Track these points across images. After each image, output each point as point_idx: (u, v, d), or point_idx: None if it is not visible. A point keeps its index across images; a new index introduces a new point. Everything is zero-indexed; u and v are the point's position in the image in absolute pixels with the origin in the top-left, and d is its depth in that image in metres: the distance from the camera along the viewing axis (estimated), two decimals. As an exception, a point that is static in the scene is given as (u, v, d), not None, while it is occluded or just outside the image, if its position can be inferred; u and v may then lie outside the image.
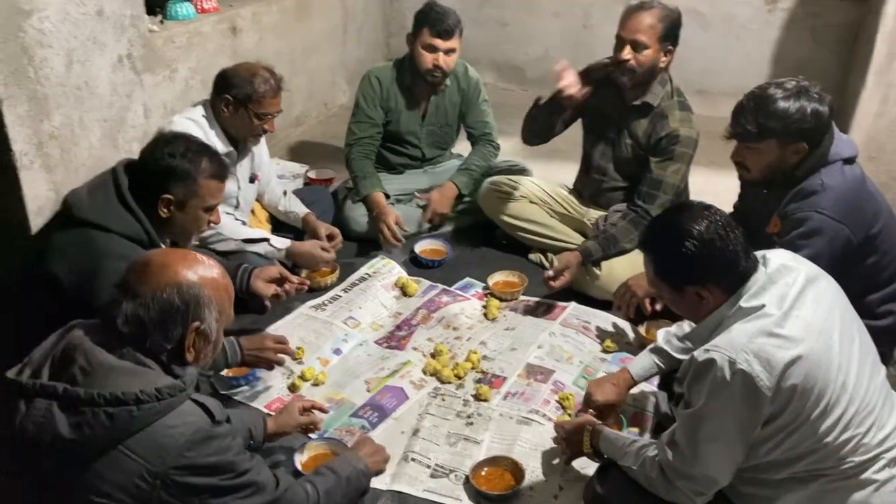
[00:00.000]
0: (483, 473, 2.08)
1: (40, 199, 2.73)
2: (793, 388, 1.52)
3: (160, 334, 1.40)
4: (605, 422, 2.07)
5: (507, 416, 2.30)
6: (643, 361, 2.19)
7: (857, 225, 2.15)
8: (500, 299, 2.85)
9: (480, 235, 3.17)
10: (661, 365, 2.17)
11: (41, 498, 1.35)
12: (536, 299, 2.87)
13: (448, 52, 3.10)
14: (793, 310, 1.59)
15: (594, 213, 3.07)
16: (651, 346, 2.22)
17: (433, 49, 3.08)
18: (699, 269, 1.64)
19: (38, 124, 2.67)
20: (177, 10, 3.49)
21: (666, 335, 2.19)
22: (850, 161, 2.23)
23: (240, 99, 2.61)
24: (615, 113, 2.90)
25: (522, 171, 3.41)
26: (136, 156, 3.14)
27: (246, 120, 2.65)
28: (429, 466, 2.12)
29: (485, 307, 2.81)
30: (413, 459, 2.13)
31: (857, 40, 4.37)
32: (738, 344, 1.54)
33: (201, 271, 1.47)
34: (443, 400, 2.36)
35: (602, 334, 2.67)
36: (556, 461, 2.11)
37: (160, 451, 1.33)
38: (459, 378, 2.46)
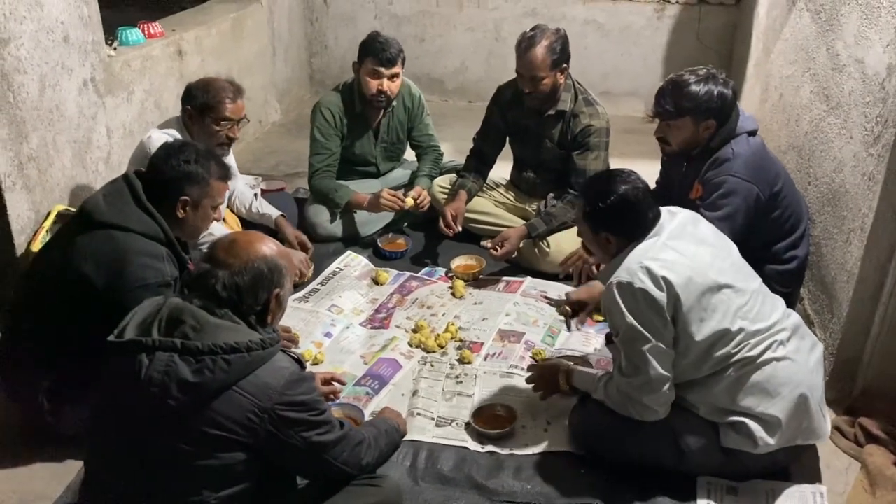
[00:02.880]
0: (482, 418, 2.39)
1: (22, 218, 2.87)
2: (677, 296, 1.98)
3: (252, 298, 1.68)
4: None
5: (490, 373, 2.63)
6: None
7: (763, 183, 2.60)
8: (464, 280, 3.18)
9: (435, 228, 3.47)
10: None
11: (157, 438, 1.58)
12: (495, 277, 3.22)
13: (392, 77, 3.34)
14: (669, 241, 2.06)
15: (534, 203, 3.45)
16: None
17: (378, 76, 3.31)
18: (612, 219, 2.10)
19: (18, 146, 2.81)
20: (127, 36, 3.66)
21: None
22: (753, 133, 2.69)
23: (198, 108, 2.82)
24: (533, 123, 3.29)
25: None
26: (103, 175, 3.34)
27: (207, 127, 2.84)
28: (433, 418, 2.42)
29: (451, 288, 3.13)
30: (418, 414, 2.42)
31: (734, 39, 4.99)
32: (631, 269, 2.01)
33: (276, 248, 1.76)
34: (431, 366, 2.66)
35: (558, 301, 3.04)
36: (541, 402, 2.45)
37: (267, 389, 1.60)
38: (442, 347, 2.76)
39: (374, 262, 3.36)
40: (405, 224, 3.63)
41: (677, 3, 5.09)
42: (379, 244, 3.45)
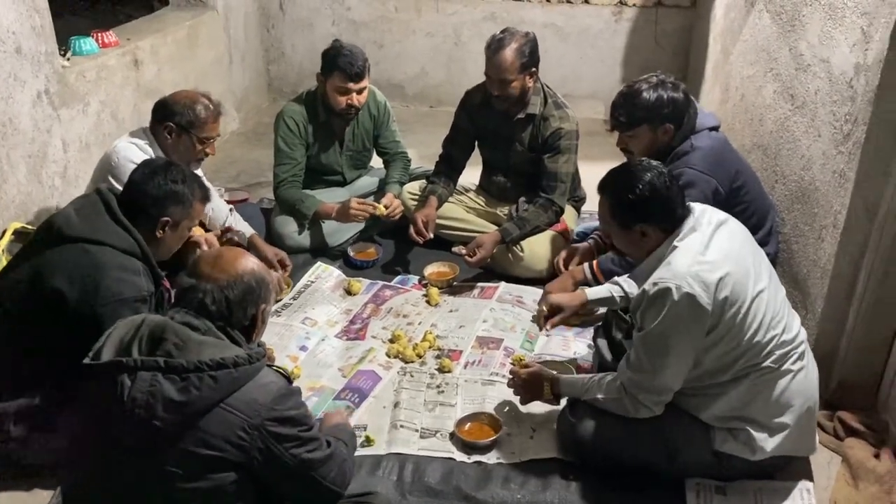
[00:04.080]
0: (466, 427, 2.36)
1: (-24, 238, 2.74)
2: (724, 300, 1.93)
3: (241, 312, 1.66)
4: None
5: (471, 381, 2.59)
6: (599, 287, 2.59)
7: (722, 177, 2.62)
8: (438, 287, 3.14)
9: (405, 236, 3.43)
10: (615, 295, 2.53)
11: (144, 461, 1.52)
12: (470, 284, 3.19)
13: (360, 91, 3.29)
14: (711, 242, 2.00)
15: (504, 207, 3.44)
16: (612, 279, 2.60)
17: (346, 91, 3.25)
18: (645, 209, 2.02)
19: (-29, 163, 2.69)
20: (80, 46, 3.54)
21: (626, 278, 2.56)
22: (714, 129, 2.72)
23: (183, 125, 2.74)
24: (503, 127, 3.27)
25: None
26: (59, 190, 3.22)
27: (189, 145, 2.77)
28: (416, 430, 2.37)
29: (426, 295, 3.09)
30: (402, 426, 2.38)
31: (691, 41, 5.07)
32: (680, 273, 1.93)
33: (260, 263, 1.74)
34: (411, 376, 2.62)
35: (534, 306, 3.02)
36: (525, 410, 2.43)
37: (255, 405, 1.56)
38: (420, 356, 2.72)
39: (344, 272, 3.30)
40: (375, 232, 3.58)
41: (634, 5, 5.15)
42: (349, 253, 3.40)
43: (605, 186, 2.12)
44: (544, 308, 2.63)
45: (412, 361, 2.70)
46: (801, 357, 2.07)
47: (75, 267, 2.06)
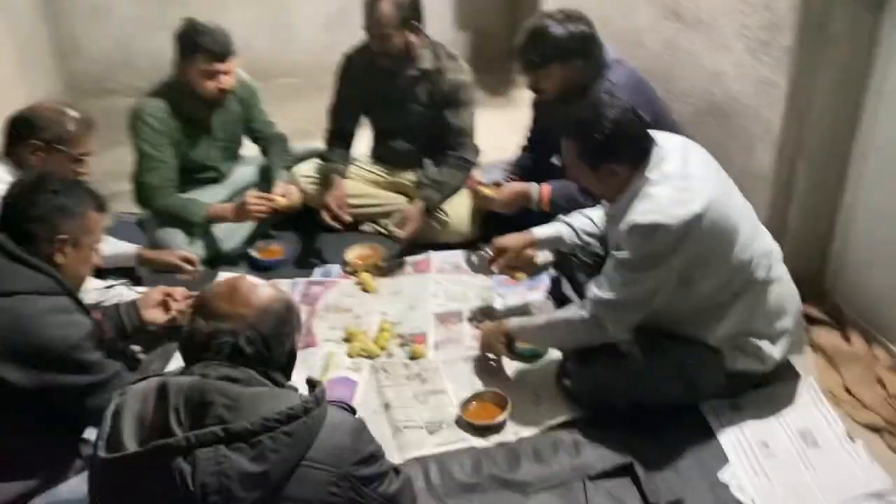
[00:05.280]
0: (471, 410, 2.21)
1: None
2: (712, 223, 1.93)
3: (280, 348, 1.43)
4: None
5: (450, 362, 2.44)
6: (548, 226, 2.49)
7: (647, 105, 2.61)
8: (367, 272, 2.90)
9: (305, 224, 3.15)
10: (564, 235, 2.45)
11: None
12: (399, 261, 2.98)
13: (228, 71, 2.93)
14: (687, 169, 1.99)
15: (409, 174, 3.24)
16: (558, 217, 2.51)
17: (214, 74, 2.88)
18: (614, 147, 1.97)
19: None
20: None
21: (580, 216, 2.48)
22: (618, 61, 2.72)
23: (51, 141, 2.31)
24: (394, 88, 3.04)
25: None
26: None
27: (61, 164, 2.33)
28: (422, 427, 2.19)
29: (359, 283, 2.85)
30: (406, 427, 2.18)
31: (518, -22, 5.08)
32: (665, 204, 1.91)
33: (279, 286, 1.55)
34: (386, 372, 2.41)
35: (473, 266, 2.90)
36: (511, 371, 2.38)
37: (338, 452, 1.35)
38: (384, 349, 2.51)
39: (254, 275, 2.95)
40: (270, 226, 3.24)
41: (458, -54, 5.05)
42: (253, 255, 3.05)
43: (569, 128, 2.04)
44: (489, 251, 2.55)
45: (378, 356, 2.48)
46: (780, 262, 2.14)
47: None
